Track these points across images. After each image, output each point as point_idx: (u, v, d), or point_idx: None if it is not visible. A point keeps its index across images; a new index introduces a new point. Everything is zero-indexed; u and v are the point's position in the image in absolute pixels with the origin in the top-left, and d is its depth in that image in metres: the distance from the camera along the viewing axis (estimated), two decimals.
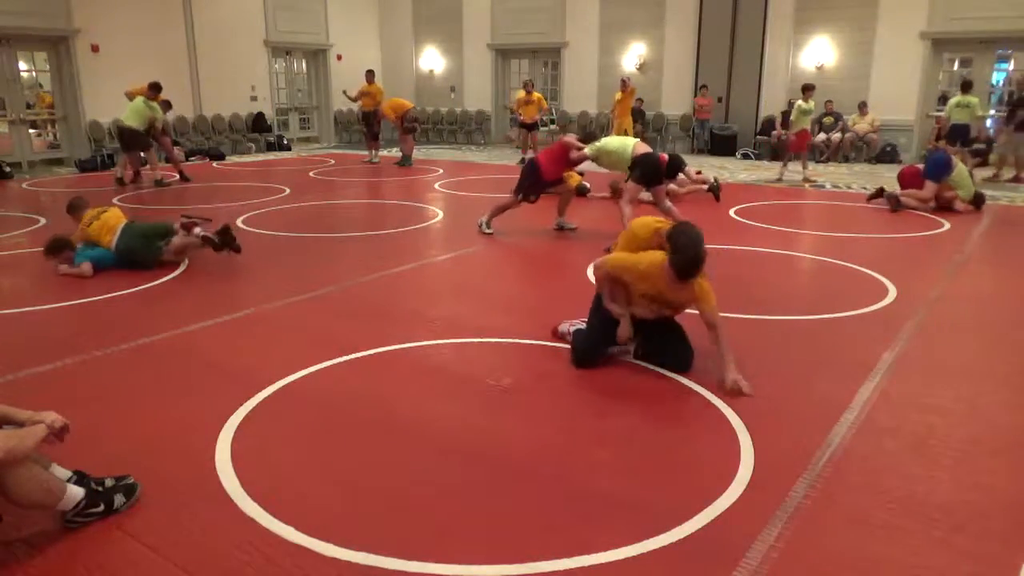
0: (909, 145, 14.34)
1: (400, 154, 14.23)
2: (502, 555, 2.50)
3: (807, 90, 11.92)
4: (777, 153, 14.81)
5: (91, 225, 6.14)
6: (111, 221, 6.21)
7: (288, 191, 10.89)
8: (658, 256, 3.86)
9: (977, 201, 9.08)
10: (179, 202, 10.03)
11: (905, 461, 3.17)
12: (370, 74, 14.42)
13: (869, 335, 4.70)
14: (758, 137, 15.45)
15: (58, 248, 5.98)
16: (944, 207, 9.01)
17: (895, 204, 9.08)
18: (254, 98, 17.26)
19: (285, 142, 17.45)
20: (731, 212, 8.88)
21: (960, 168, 9.18)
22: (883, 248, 7.38)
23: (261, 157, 15.96)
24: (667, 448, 3.29)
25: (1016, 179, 11.72)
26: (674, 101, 16.34)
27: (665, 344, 4.11)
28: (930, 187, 9.01)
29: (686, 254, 3.71)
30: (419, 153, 15.38)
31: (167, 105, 12.26)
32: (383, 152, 14.93)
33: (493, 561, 2.47)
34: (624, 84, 13.60)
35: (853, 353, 4.39)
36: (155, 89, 11.41)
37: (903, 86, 14.17)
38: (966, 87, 12.12)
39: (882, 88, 14.32)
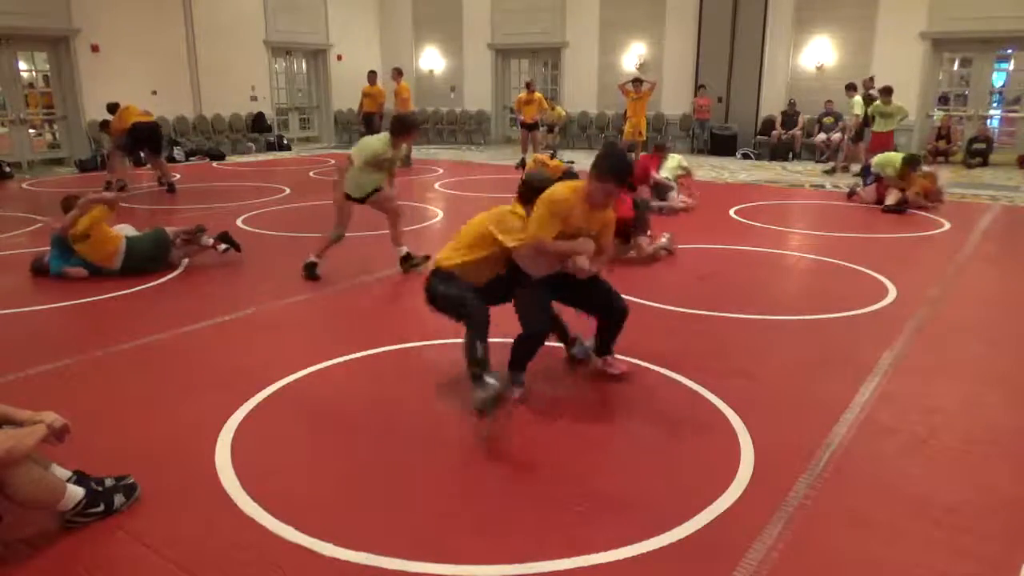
0: (909, 145, 14.31)
1: None
2: (502, 555, 2.50)
3: (887, 92, 11.66)
4: (776, 153, 14.85)
5: (82, 242, 5.90)
6: (109, 245, 5.99)
7: (288, 191, 10.89)
8: (569, 186, 3.74)
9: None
10: (181, 203, 10.02)
11: (905, 461, 3.17)
12: (372, 75, 14.37)
13: (869, 335, 4.70)
14: (758, 137, 15.44)
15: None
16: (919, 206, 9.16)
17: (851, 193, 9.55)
18: (254, 98, 17.25)
19: (285, 142, 17.44)
20: (731, 212, 8.88)
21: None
22: (883, 248, 7.38)
23: (261, 157, 15.96)
24: (667, 448, 3.28)
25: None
26: (674, 101, 16.33)
27: (596, 297, 3.90)
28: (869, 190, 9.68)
29: (614, 156, 3.62)
30: (419, 153, 15.38)
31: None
32: None
33: (493, 561, 2.47)
34: (638, 84, 13.31)
35: (853, 353, 4.39)
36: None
37: (903, 86, 14.11)
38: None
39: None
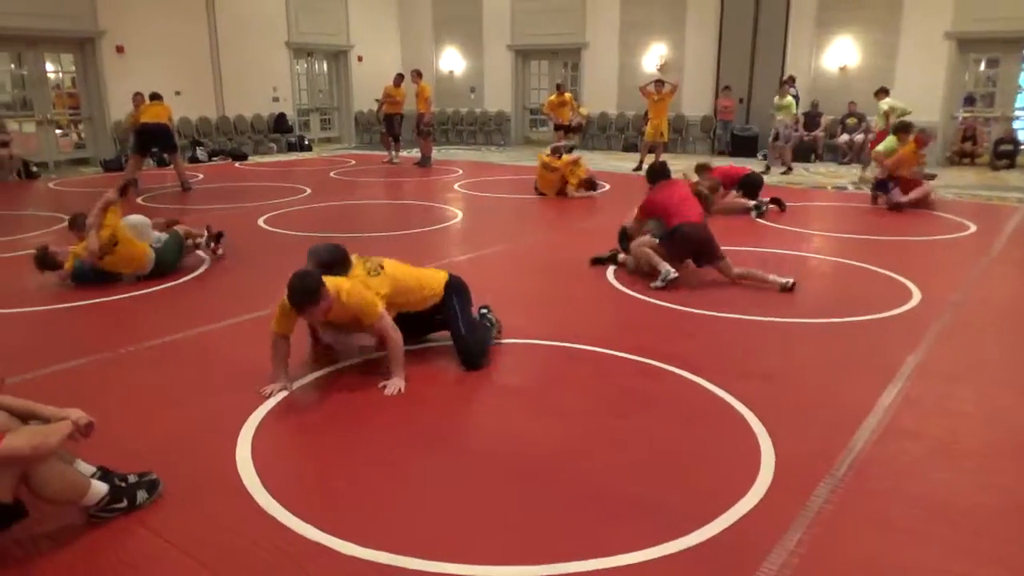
0: (934, 147, 14.11)
1: (420, 155, 14.29)
2: (520, 556, 2.50)
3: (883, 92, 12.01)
4: (798, 154, 14.68)
5: (111, 255, 5.78)
6: (136, 261, 5.93)
7: (309, 191, 10.96)
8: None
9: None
10: (205, 202, 10.13)
11: (928, 465, 3.13)
12: (399, 77, 14.39)
13: (892, 339, 4.65)
14: None
15: (47, 264, 5.80)
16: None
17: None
18: (276, 99, 17.39)
19: (306, 142, 17.57)
20: (752, 214, 8.81)
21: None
22: (907, 251, 7.29)
23: (282, 157, 16.08)
24: (687, 451, 3.27)
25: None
26: (695, 102, 16.24)
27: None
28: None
29: (292, 283, 3.70)
30: (438, 154, 15.43)
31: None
32: (403, 153, 14.98)
33: (512, 562, 2.47)
34: (660, 85, 13.26)
35: (876, 357, 4.34)
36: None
37: (928, 87, 13.98)
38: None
39: (906, 89, 14.07)
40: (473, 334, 4.24)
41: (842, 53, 14.83)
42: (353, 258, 4.12)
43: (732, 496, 2.83)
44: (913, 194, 9.14)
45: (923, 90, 13.97)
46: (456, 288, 4.30)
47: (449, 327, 4.24)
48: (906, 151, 9.32)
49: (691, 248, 5.84)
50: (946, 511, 2.78)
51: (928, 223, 8.50)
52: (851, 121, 14.35)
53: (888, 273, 6.17)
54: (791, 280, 5.59)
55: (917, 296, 5.50)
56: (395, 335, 3.88)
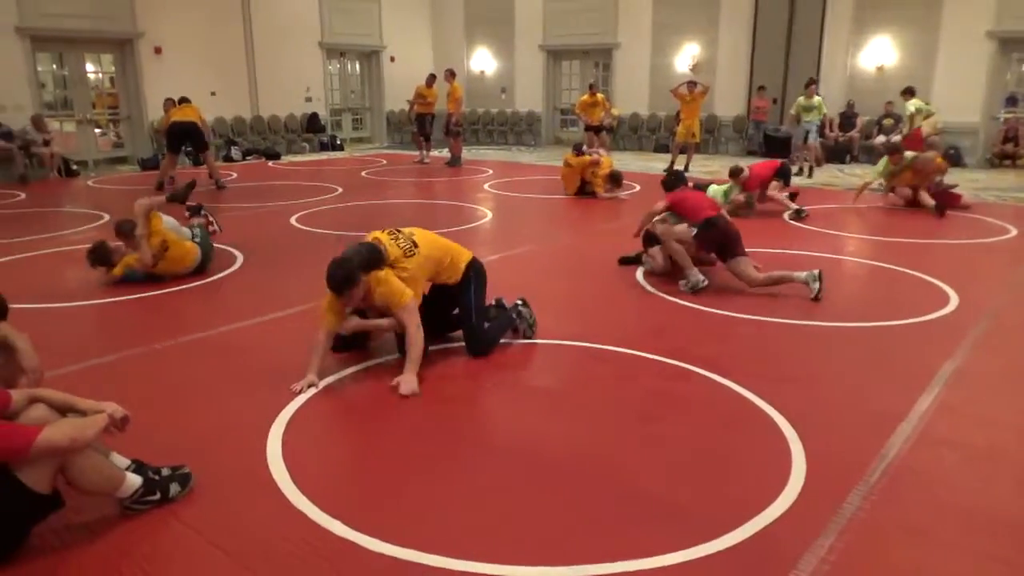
0: (975, 148, 13.85)
1: (449, 155, 14.34)
2: (547, 556, 2.49)
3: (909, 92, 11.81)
4: (833, 155, 14.47)
5: (161, 260, 5.89)
6: (186, 260, 6.04)
7: (340, 190, 11.06)
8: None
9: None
10: (238, 201, 10.27)
11: (965, 474, 3.07)
12: (431, 78, 14.44)
13: (929, 344, 4.56)
14: None
15: (101, 259, 5.88)
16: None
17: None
18: (309, 99, 17.57)
19: (338, 142, 17.72)
20: (785, 216, 8.70)
21: None
22: (944, 254, 7.14)
23: (314, 157, 16.25)
24: (716, 454, 3.23)
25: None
26: (728, 103, 16.08)
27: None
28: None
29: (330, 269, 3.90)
30: (468, 154, 15.46)
31: None
32: (433, 152, 15.05)
33: (538, 562, 2.46)
34: (692, 85, 13.20)
35: (912, 362, 4.26)
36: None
37: (968, 87, 13.69)
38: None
39: (946, 89, 13.85)
40: (483, 319, 4.35)
41: (879, 53, 14.58)
42: (385, 237, 4.18)
43: (762, 501, 2.79)
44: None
45: (963, 90, 13.69)
46: (476, 270, 4.40)
47: (459, 306, 4.34)
48: (889, 168, 9.41)
49: (720, 240, 5.73)
50: (984, 522, 2.71)
51: (966, 226, 8.32)
52: (887, 122, 14.10)
53: (924, 277, 6.05)
54: (817, 271, 5.43)
55: (954, 301, 5.38)
56: (417, 331, 3.93)
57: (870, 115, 14.44)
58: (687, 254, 5.70)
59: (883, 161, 9.69)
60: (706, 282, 5.58)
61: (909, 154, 9.38)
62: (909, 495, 2.89)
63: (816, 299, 5.33)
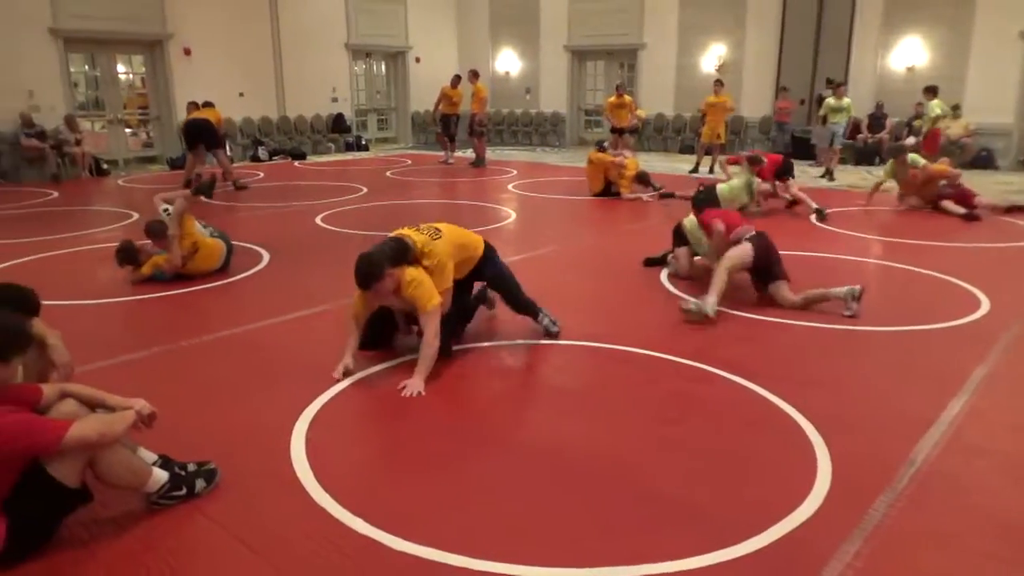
0: (1007, 150, 13.59)
1: (474, 155, 14.36)
2: (567, 558, 2.49)
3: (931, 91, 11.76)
4: (862, 157, 14.29)
5: (191, 261, 5.97)
6: (213, 257, 6.12)
7: (365, 190, 11.12)
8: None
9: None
10: (263, 200, 10.37)
11: (995, 482, 3.01)
12: (456, 79, 14.46)
13: (960, 349, 4.48)
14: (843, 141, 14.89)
15: (129, 258, 5.95)
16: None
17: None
18: (335, 99, 17.69)
19: (363, 142, 17.83)
20: (811, 217, 8.61)
21: None
22: (975, 258, 7.01)
23: (340, 157, 16.36)
24: (739, 457, 3.20)
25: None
26: (754, 103, 15.94)
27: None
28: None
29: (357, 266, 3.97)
30: (493, 154, 15.48)
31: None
32: (458, 153, 15.09)
33: (558, 564, 2.46)
34: (719, 85, 13.14)
35: (942, 367, 4.19)
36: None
37: (1001, 88, 13.43)
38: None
39: (978, 90, 13.61)
40: (515, 282, 4.65)
41: (909, 53, 14.36)
42: (408, 230, 4.23)
43: (787, 505, 2.76)
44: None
45: (996, 91, 13.44)
46: (493, 250, 4.60)
47: (488, 276, 4.61)
48: (895, 172, 9.33)
49: (765, 255, 5.30)
50: (1012, 529, 2.66)
51: (998, 229, 8.17)
52: (917, 123, 13.87)
53: (955, 280, 5.95)
54: (859, 288, 5.05)
55: (986, 305, 5.29)
56: (435, 338, 3.96)
57: (900, 116, 14.23)
58: (726, 283, 5.15)
59: (889, 163, 9.55)
60: (714, 315, 4.99)
61: (913, 157, 9.26)
62: (938, 501, 2.84)
63: (851, 316, 5.01)
